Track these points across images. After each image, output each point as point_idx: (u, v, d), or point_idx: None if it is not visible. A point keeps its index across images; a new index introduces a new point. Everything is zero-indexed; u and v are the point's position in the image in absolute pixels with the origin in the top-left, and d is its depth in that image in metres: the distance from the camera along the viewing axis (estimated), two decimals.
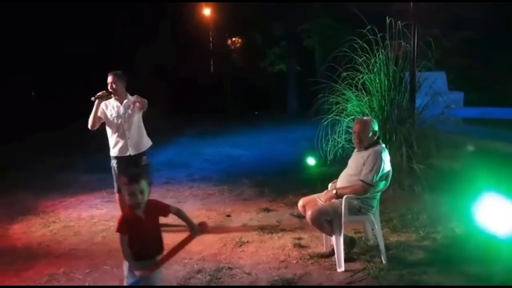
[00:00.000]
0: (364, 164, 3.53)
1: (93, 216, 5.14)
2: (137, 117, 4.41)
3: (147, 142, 4.52)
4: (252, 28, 18.83)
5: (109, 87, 4.31)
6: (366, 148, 3.63)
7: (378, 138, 3.73)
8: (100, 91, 4.29)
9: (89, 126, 4.33)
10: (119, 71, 4.41)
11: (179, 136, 11.53)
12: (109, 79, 4.32)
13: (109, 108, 4.36)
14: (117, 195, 4.42)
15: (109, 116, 4.34)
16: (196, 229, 2.76)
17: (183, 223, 2.81)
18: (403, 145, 5.31)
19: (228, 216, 5.07)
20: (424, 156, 5.31)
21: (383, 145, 3.70)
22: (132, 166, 4.33)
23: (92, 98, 4.24)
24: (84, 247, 4.22)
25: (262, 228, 4.50)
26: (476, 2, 11.57)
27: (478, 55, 11.99)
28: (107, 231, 4.61)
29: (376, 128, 3.71)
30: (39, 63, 14.22)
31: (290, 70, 17.82)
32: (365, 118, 4.00)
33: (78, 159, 8.42)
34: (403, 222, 4.50)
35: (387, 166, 3.58)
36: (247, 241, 4.19)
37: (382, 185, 3.60)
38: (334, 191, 3.57)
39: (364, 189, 3.48)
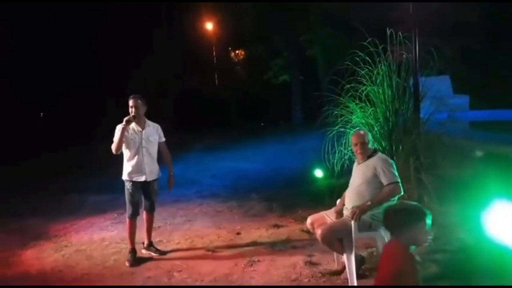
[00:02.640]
0: (376, 171, 3.54)
1: (104, 239, 5.18)
2: (156, 146, 4.51)
3: (158, 169, 4.58)
4: (255, 40, 19.00)
5: (131, 111, 4.30)
6: (368, 157, 3.67)
7: (375, 148, 3.84)
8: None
9: (114, 151, 4.33)
10: (139, 95, 4.40)
11: (185, 152, 11.59)
12: (132, 103, 4.31)
13: (130, 132, 4.35)
14: (128, 220, 4.45)
15: (130, 141, 4.34)
16: None
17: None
18: (410, 156, 5.29)
19: (238, 233, 5.08)
20: (432, 166, 5.29)
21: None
22: (145, 191, 4.46)
23: (123, 125, 4.23)
24: (96, 271, 4.24)
25: (272, 246, 4.51)
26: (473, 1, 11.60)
27: (481, 60, 11.99)
28: (118, 253, 4.64)
29: (370, 137, 3.86)
30: (44, 86, 14.45)
31: (294, 81, 17.91)
32: (361, 131, 4.04)
33: (87, 180, 8.49)
34: None
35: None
36: (258, 260, 4.19)
37: None
38: (369, 203, 3.45)
39: (398, 187, 3.48)
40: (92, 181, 8.42)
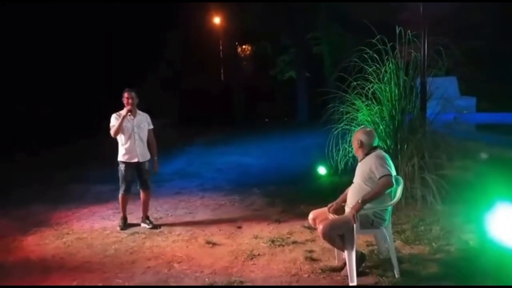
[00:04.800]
0: (371, 168, 3.52)
1: (105, 228, 5.18)
2: (146, 132, 5.14)
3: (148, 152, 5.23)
4: (262, 36, 18.93)
5: (127, 102, 4.96)
6: (367, 154, 3.65)
7: (376, 146, 3.73)
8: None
9: (114, 135, 4.97)
10: (133, 88, 5.09)
11: (189, 145, 11.60)
12: (127, 95, 4.98)
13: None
14: (121, 196, 5.14)
15: (124, 127, 4.98)
16: None
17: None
18: (415, 155, 5.27)
19: (239, 227, 5.06)
20: (436, 166, 5.26)
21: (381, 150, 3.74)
22: (138, 171, 5.12)
23: (128, 114, 4.92)
24: (97, 259, 4.24)
25: (273, 240, 4.49)
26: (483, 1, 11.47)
27: (489, 62, 11.89)
28: (119, 243, 4.64)
29: (372, 136, 3.73)
30: (50, 79, 14.47)
31: (300, 78, 17.82)
32: (363, 128, 4.00)
33: (90, 171, 8.51)
34: (415, 234, 4.46)
35: (392, 165, 3.58)
36: (258, 254, 4.18)
37: (394, 192, 3.58)
38: (360, 200, 3.40)
39: (388, 181, 3.42)
40: (95, 172, 8.43)
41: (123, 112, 4.98)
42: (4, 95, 13.09)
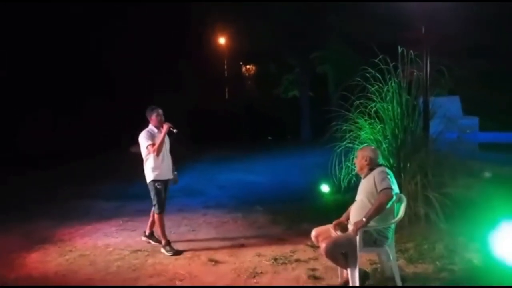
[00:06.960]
0: (374, 183, 3.54)
1: (108, 245, 5.18)
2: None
3: None
4: (266, 56, 19.17)
5: (162, 119, 4.97)
6: (370, 171, 3.68)
7: (379, 163, 3.76)
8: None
9: (158, 153, 4.83)
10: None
11: (193, 163, 11.62)
12: (161, 112, 5.01)
13: (156, 137, 4.90)
14: (159, 215, 4.93)
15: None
16: None
17: None
18: (418, 174, 5.27)
19: (242, 245, 5.05)
20: (439, 184, 5.26)
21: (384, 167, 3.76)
22: (167, 187, 5.08)
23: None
24: (99, 277, 4.23)
25: (276, 258, 4.47)
26: None
27: (492, 82, 11.97)
28: (122, 260, 4.64)
29: (377, 153, 3.79)
30: (64, 96, 14.77)
31: (303, 97, 17.96)
32: (366, 146, 4.08)
33: (95, 187, 8.54)
34: (419, 252, 4.43)
35: (395, 182, 3.59)
36: (261, 272, 4.16)
37: (397, 210, 3.58)
38: (364, 219, 3.41)
39: (386, 195, 3.43)
40: (99, 188, 8.47)
41: (163, 129, 4.85)
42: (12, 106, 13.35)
